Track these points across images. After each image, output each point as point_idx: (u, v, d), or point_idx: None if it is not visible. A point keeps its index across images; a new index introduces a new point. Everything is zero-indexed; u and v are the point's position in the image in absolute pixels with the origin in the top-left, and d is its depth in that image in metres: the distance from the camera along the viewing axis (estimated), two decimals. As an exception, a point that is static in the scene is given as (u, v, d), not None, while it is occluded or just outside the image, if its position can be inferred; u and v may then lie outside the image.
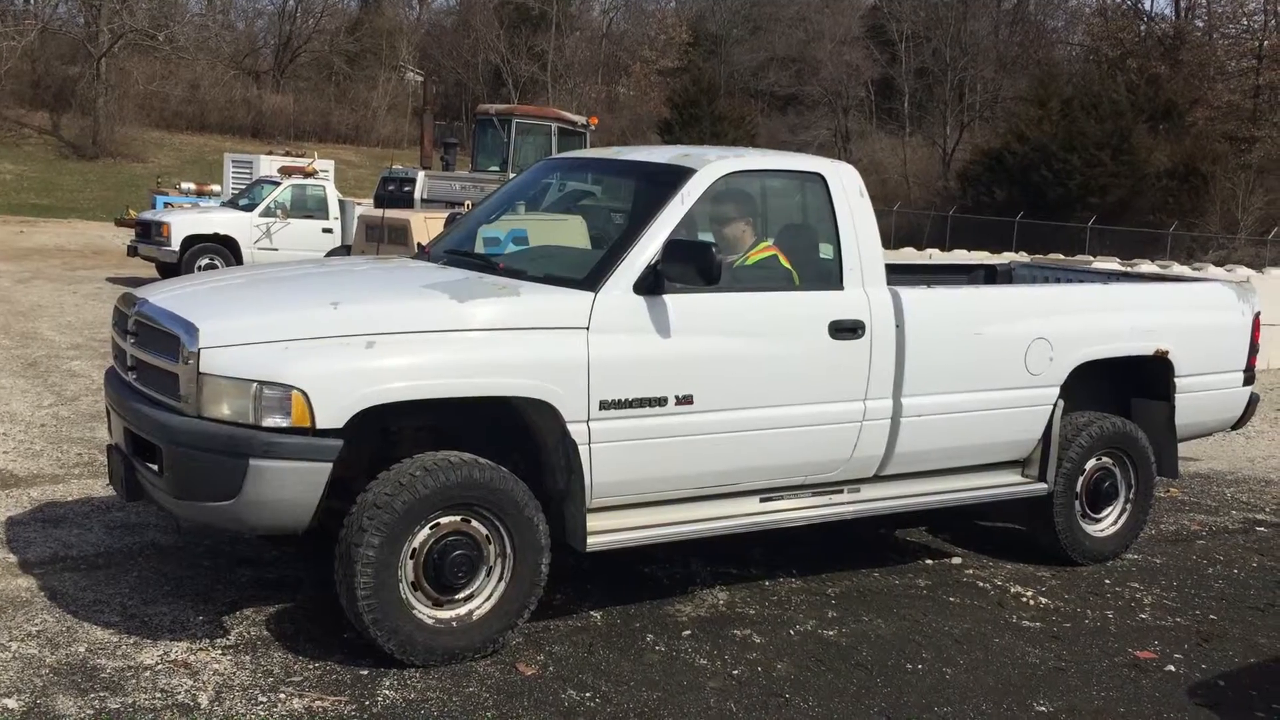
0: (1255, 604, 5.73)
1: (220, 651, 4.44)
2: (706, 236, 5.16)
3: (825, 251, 5.28)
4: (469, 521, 4.41)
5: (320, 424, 4.07)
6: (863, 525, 5.90)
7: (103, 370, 10.08)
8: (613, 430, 4.53)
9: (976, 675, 4.64)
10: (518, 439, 4.64)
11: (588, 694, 4.24)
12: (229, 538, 5.72)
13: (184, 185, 26.91)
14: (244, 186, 22.18)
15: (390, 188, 21.51)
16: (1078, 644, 5.04)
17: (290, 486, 4.09)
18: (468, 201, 18.07)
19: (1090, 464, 6.06)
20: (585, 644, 4.68)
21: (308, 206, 18.84)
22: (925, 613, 5.29)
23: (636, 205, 5.19)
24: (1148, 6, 55.67)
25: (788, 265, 5.18)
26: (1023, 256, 20.06)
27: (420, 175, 20.78)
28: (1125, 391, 6.30)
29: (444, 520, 4.36)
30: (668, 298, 4.65)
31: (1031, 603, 5.53)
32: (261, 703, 4.04)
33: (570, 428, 4.45)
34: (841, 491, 5.31)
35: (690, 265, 4.55)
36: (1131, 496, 6.24)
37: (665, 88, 52.87)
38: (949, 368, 5.39)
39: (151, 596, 4.95)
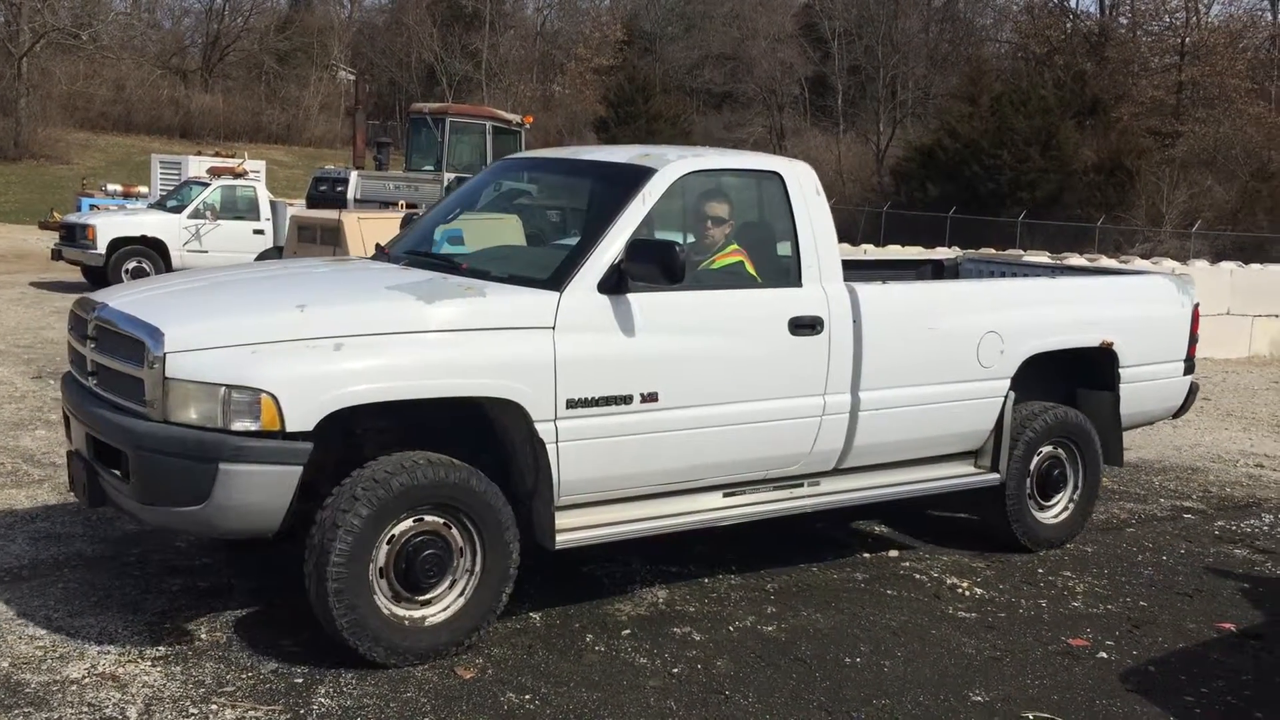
0: (1183, 590, 5.84)
1: (150, 663, 4.34)
2: (667, 236, 5.19)
3: (783, 249, 5.36)
4: (440, 521, 4.42)
5: (290, 427, 4.05)
6: (800, 521, 5.92)
7: (26, 377, 9.85)
8: (580, 429, 4.57)
9: (914, 667, 4.68)
10: (483, 438, 4.65)
11: (527, 696, 4.21)
12: (158, 545, 5.61)
13: (110, 187, 26.42)
14: (172, 188, 21.78)
15: (323, 188, 21.27)
16: (1012, 633, 5.10)
17: (260, 490, 4.07)
18: (402, 201, 17.94)
19: (1040, 453, 6.20)
20: (524, 646, 4.65)
21: (238, 208, 18.55)
22: (863, 606, 5.33)
23: (599, 205, 5.20)
24: (1073, 4, 56.68)
25: (753, 272, 5.25)
26: (955, 251, 20.29)
27: (353, 175, 20.57)
28: (1072, 382, 6.44)
29: (414, 520, 4.36)
30: (632, 296, 4.70)
31: (967, 594, 5.59)
32: (193, 714, 3.95)
33: (538, 427, 4.48)
34: (802, 485, 5.40)
35: (654, 264, 4.59)
36: (1080, 484, 6.39)
37: (601, 86, 52.82)
38: (905, 362, 5.50)
39: (78, 608, 4.83)
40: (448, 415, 4.48)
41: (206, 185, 18.86)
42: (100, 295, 4.81)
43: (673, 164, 5.07)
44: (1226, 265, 17.76)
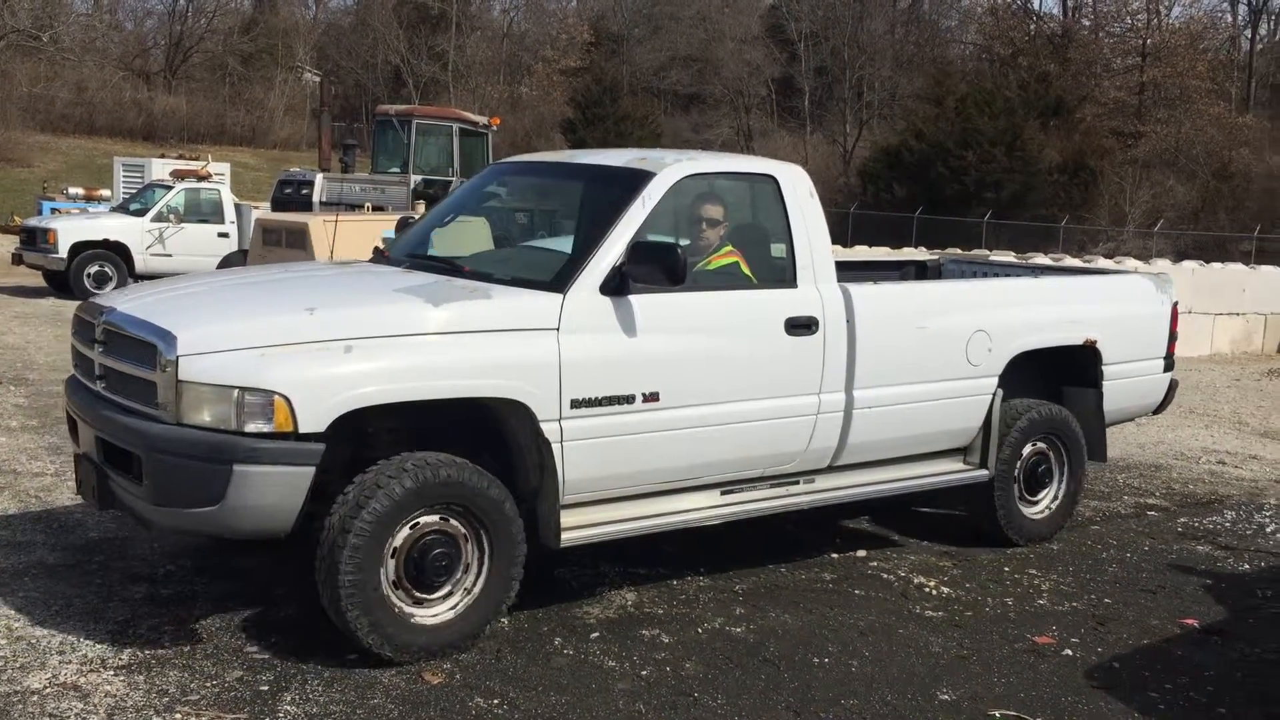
0: (1147, 586, 5.89)
1: (112, 672, 4.28)
2: (662, 238, 5.26)
3: (778, 250, 5.46)
4: (461, 530, 4.51)
5: (303, 428, 4.11)
6: (769, 521, 5.93)
7: (-14, 383, 9.72)
8: (584, 428, 4.65)
9: (882, 666, 4.69)
10: (488, 438, 4.71)
11: (495, 700, 4.19)
12: (120, 553, 5.55)
13: (72, 190, 26.18)
14: (135, 191, 21.56)
15: (288, 190, 21.10)
16: (979, 632, 5.13)
17: (274, 491, 4.13)
18: (367, 204, 17.84)
19: (1027, 449, 6.31)
20: (492, 650, 4.63)
21: (202, 210, 18.40)
22: (831, 606, 5.34)
23: (598, 208, 5.26)
24: (1037, 6, 57.15)
25: (748, 272, 5.33)
26: (922, 251, 20.42)
27: (319, 178, 20.44)
28: (1056, 380, 6.56)
29: (440, 518, 4.44)
30: (633, 298, 4.78)
31: (934, 593, 5.62)
32: (156, 724, 3.91)
33: (543, 426, 4.55)
34: (798, 482, 5.50)
35: (656, 266, 4.68)
36: (1065, 479, 6.53)
37: (568, 87, 52.74)
38: (896, 361, 5.61)
39: (39, 617, 4.76)
40: (454, 416, 4.55)
41: (170, 188, 18.69)
42: (106, 299, 4.87)
43: (670, 167, 5.15)
44: (1188, 264, 17.97)
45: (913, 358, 5.67)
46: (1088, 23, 50.14)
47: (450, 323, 4.45)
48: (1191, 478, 8.45)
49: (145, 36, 56.87)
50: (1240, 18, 52.43)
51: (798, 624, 5.10)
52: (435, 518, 4.44)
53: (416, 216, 6.43)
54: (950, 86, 43.69)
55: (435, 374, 4.35)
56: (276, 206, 20.11)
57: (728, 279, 5.28)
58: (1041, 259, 16.06)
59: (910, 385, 5.66)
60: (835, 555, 6.13)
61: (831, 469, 5.59)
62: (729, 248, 5.35)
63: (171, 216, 18.03)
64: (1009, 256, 16.94)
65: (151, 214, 18.04)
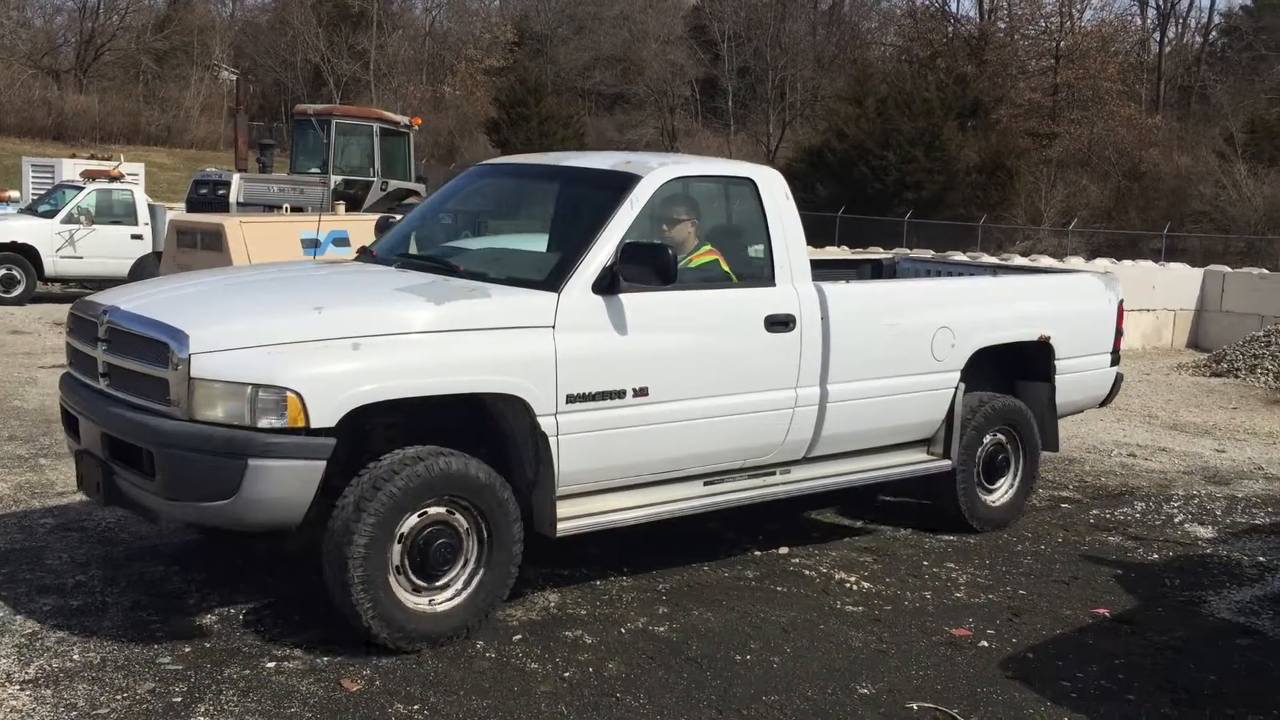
0: (1060, 577, 6.02)
1: (18, 686, 4.16)
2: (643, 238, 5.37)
3: (755, 250, 5.66)
4: (453, 513, 4.63)
5: (314, 423, 4.24)
6: (692, 521, 5.94)
7: (-114, 391, 9.40)
8: (578, 422, 4.82)
9: (803, 662, 4.74)
10: (483, 432, 4.82)
11: (416, 706, 4.15)
12: (29, 564, 5.40)
13: (-22, 191, 25.36)
14: (44, 192, 20.99)
15: (203, 191, 20.71)
16: (898, 625, 5.20)
17: (287, 484, 4.25)
18: (286, 205, 17.56)
19: (986, 440, 6.58)
20: (413, 654, 4.58)
21: (114, 212, 17.94)
22: (753, 603, 5.38)
23: (585, 210, 5.40)
24: (954, 9, 58.09)
25: (727, 269, 5.52)
26: (845, 250, 20.64)
27: (235, 178, 20.09)
28: (1012, 374, 6.81)
29: (430, 511, 4.56)
30: (623, 297, 4.95)
31: (854, 588, 5.68)
32: (64, 739, 3.81)
33: (541, 421, 4.72)
34: (774, 474, 5.72)
35: (648, 266, 4.87)
36: (1021, 469, 6.83)
37: (491, 87, 52.43)
38: (867, 356, 5.85)
39: (-59, 632, 4.62)
40: (453, 411, 4.67)
41: (81, 189, 18.23)
42: (104, 298, 4.92)
43: (656, 170, 5.33)
44: (1101, 262, 18.44)
45: (882, 353, 5.91)
46: (1003, 25, 51.06)
47: (453, 321, 4.59)
48: (1103, 470, 8.65)
49: (55, 34, 55.43)
50: (1150, 21, 53.90)
51: (720, 622, 5.12)
52: (440, 510, 4.56)
53: (397, 218, 6.45)
54: (871, 87, 44.19)
55: (441, 370, 4.49)
56: (192, 208, 19.72)
57: (709, 278, 5.45)
58: (960, 257, 16.33)
59: (880, 380, 5.91)
60: (758, 553, 6.17)
61: (806, 460, 5.82)
62: (708, 246, 5.52)
63: (82, 218, 17.57)
64: (927, 255, 17.19)
65: (61, 215, 17.58)
